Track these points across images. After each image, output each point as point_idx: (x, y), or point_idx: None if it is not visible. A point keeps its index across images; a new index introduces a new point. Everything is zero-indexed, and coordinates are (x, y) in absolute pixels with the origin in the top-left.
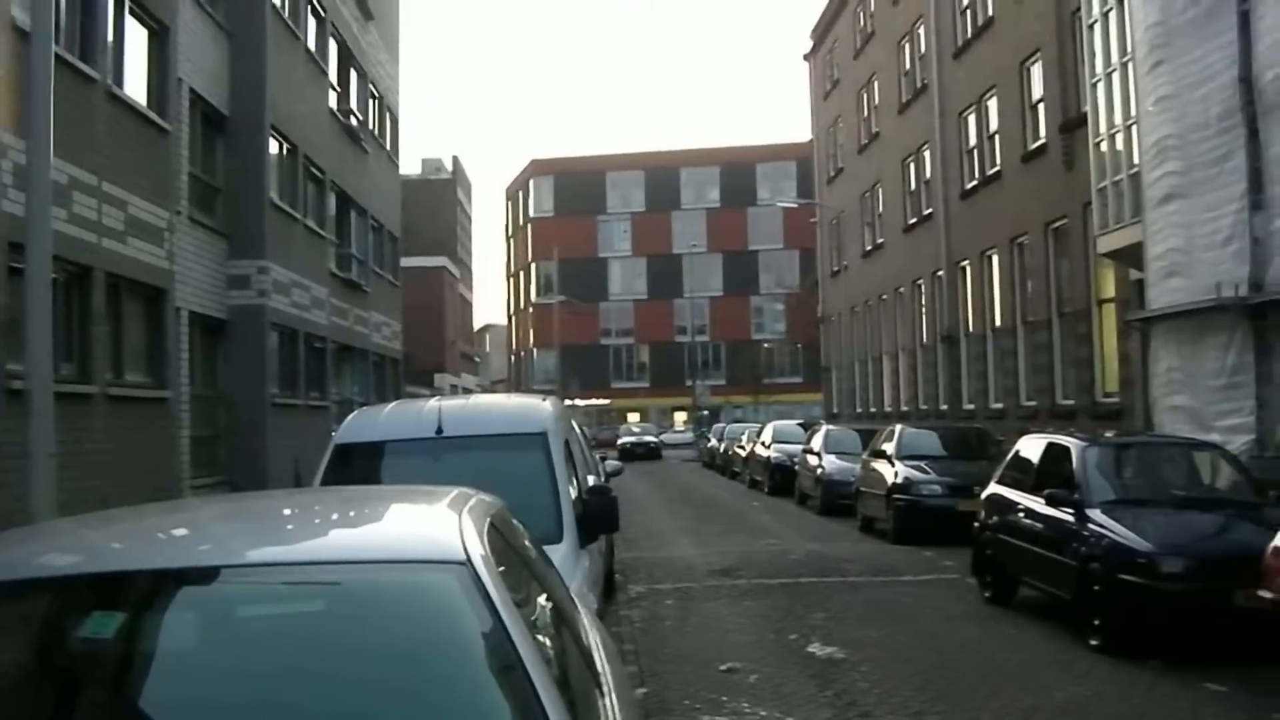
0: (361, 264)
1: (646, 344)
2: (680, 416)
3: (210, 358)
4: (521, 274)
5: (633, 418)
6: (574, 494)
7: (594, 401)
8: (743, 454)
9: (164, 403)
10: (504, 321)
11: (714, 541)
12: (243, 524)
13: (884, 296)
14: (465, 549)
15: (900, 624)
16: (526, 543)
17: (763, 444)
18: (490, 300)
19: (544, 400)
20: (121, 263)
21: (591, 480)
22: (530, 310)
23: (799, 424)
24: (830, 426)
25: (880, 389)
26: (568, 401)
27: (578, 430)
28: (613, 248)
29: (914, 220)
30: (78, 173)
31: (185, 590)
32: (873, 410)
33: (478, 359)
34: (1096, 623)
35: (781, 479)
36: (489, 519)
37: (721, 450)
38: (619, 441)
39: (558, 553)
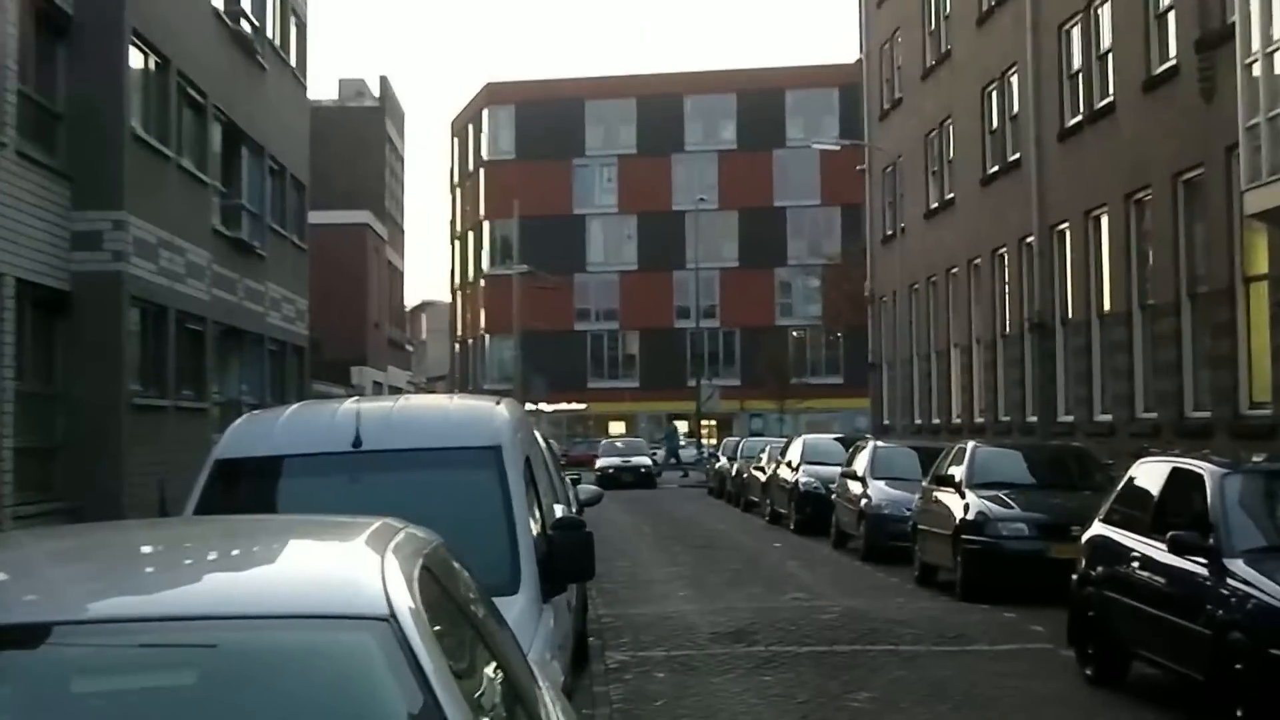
0: (255, 219)
1: (636, 331)
2: (681, 426)
3: (45, 343)
4: (471, 235)
5: (616, 428)
6: (536, 529)
7: (565, 406)
8: (762, 478)
9: None
10: (446, 299)
11: (722, 595)
12: (84, 565)
13: (953, 271)
14: (389, 600)
15: (971, 711)
16: (471, 593)
17: (788, 465)
18: (429, 270)
19: (498, 404)
20: None
21: (560, 511)
22: (482, 284)
23: (836, 439)
24: (879, 443)
25: (946, 394)
26: (529, 406)
27: (542, 444)
28: (593, 202)
29: (995, 169)
30: None
31: (1, 656)
32: (935, 422)
33: (410, 348)
34: (1239, 714)
35: (813, 512)
36: (421, 561)
37: (734, 473)
38: (598, 463)
39: (513, 607)
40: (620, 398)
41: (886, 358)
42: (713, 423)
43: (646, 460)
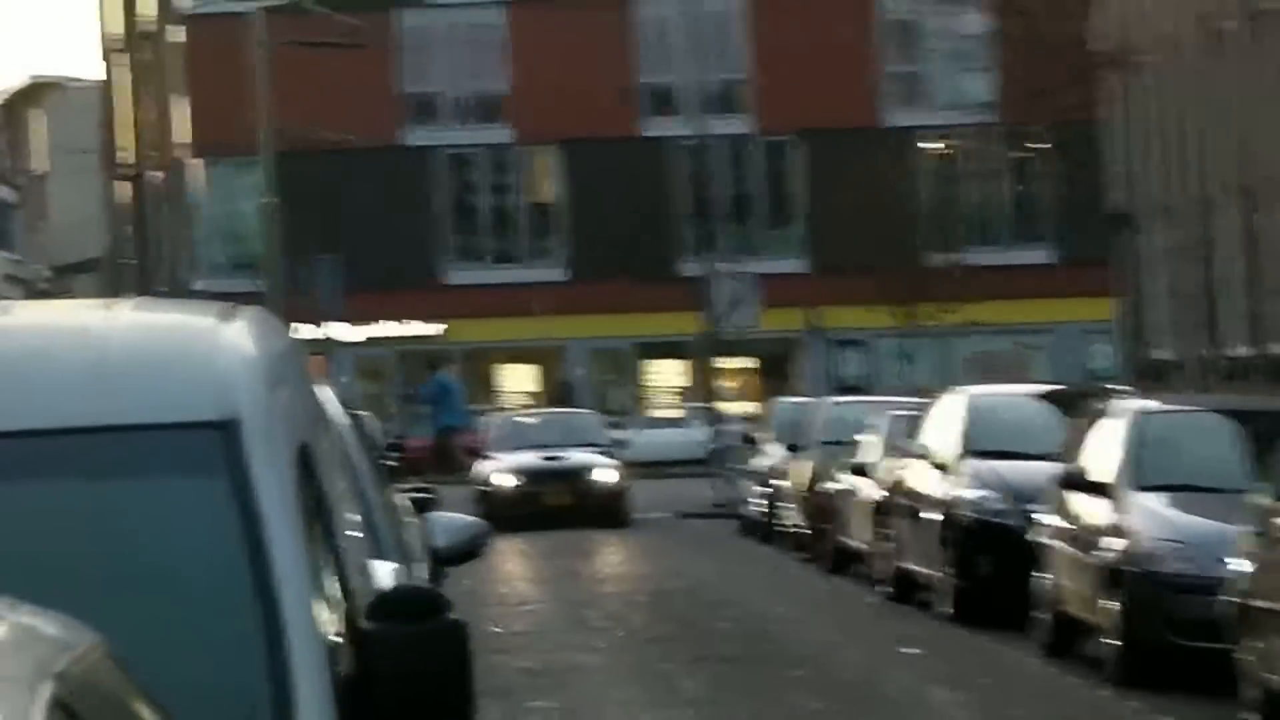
0: None
1: (551, 144)
2: (671, 374)
3: None
4: None
5: (516, 378)
6: (329, 618)
7: (394, 330)
8: (868, 495)
9: None
10: (89, 73)
11: None
12: None
13: None
14: None
15: None
16: None
17: (932, 461)
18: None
19: (227, 323)
20: None
21: (388, 574)
22: (178, 37)
23: (1043, 397)
24: (1145, 405)
25: None
26: (306, 331)
27: (339, 418)
28: None
29: None
30: None
31: None
32: (1263, 350)
33: (10, 193)
34: None
35: (992, 571)
36: (50, 691)
37: (799, 484)
38: (484, 466)
39: None
40: (520, 306)
41: (1152, 203)
42: (746, 363)
43: (598, 460)
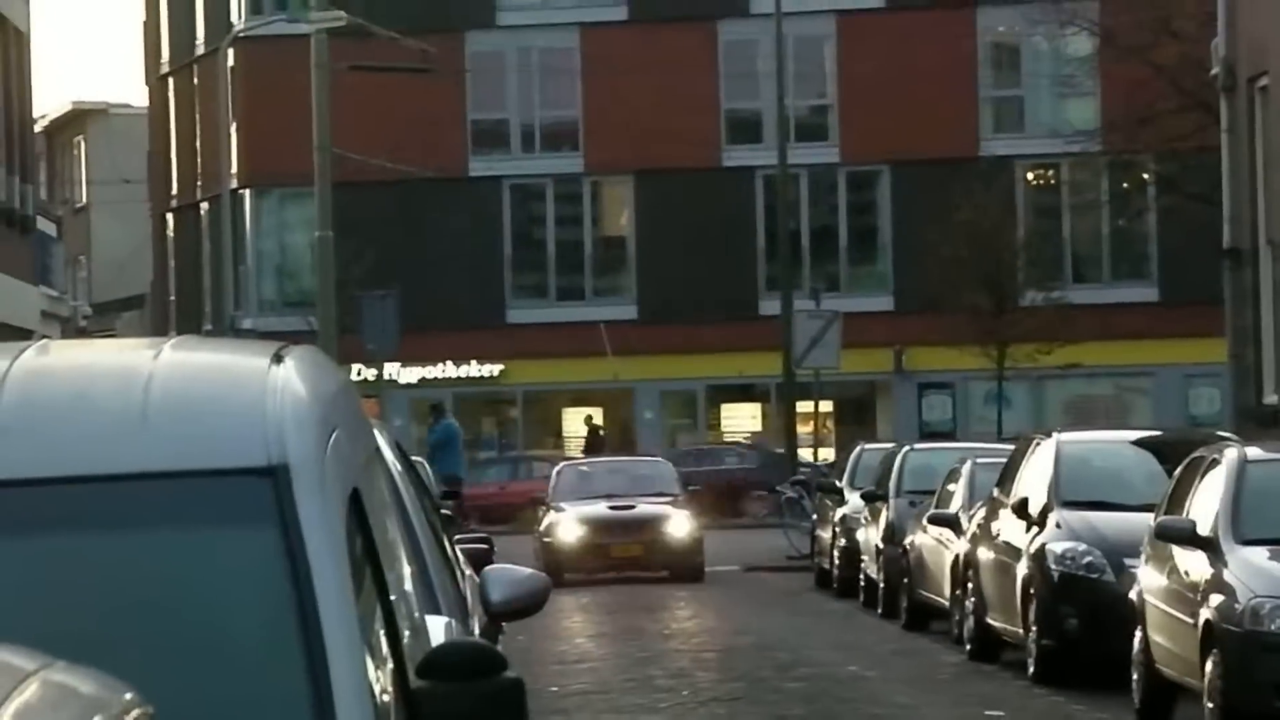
0: None
1: (626, 175)
2: (744, 418)
3: None
4: None
5: (577, 422)
6: (381, 676)
7: (450, 371)
8: (953, 549)
9: None
10: (135, 100)
11: None
12: None
13: None
14: None
15: None
16: None
17: (1019, 511)
18: (96, 40)
19: (278, 363)
20: None
21: (440, 630)
22: (229, 60)
23: (1140, 443)
24: (1253, 452)
25: None
26: (359, 372)
27: (394, 465)
28: None
29: None
30: None
31: None
32: None
33: (50, 225)
34: None
35: (1083, 629)
36: None
37: (883, 535)
38: (551, 519)
39: None
40: (588, 346)
41: (1269, 235)
42: (823, 408)
43: (669, 510)
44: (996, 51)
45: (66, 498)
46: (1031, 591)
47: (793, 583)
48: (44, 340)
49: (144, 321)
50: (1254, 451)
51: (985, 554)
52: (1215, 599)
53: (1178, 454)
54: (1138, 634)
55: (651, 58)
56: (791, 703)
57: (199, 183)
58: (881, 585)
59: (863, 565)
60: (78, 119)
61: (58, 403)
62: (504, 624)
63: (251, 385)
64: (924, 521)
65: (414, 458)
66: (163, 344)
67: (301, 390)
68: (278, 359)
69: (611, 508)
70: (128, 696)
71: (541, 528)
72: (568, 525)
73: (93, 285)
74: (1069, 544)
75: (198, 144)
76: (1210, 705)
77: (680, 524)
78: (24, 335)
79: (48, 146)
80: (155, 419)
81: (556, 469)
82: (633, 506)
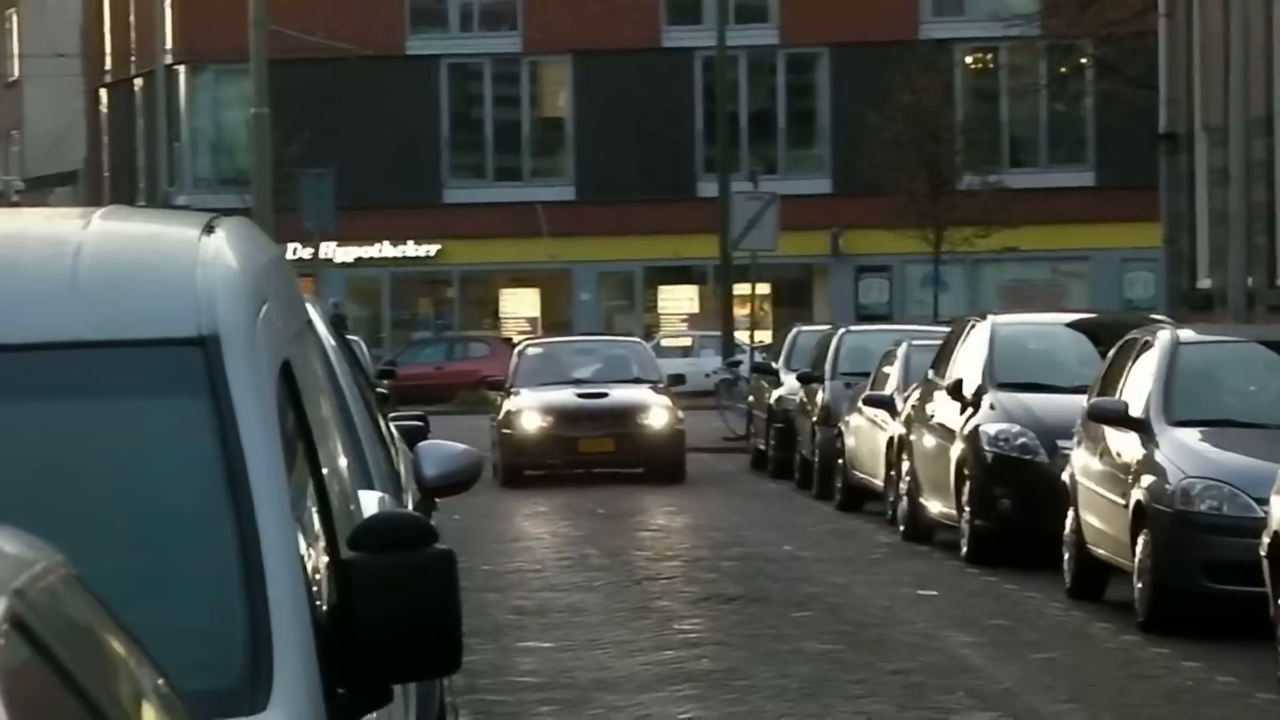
0: None
1: (563, 55)
2: (682, 300)
3: None
4: None
5: (518, 302)
6: (312, 550)
7: (385, 250)
8: (886, 432)
9: None
10: None
11: (794, 715)
12: None
13: None
14: None
15: None
16: (153, 694)
17: (955, 394)
18: None
19: (208, 233)
20: None
21: (372, 502)
22: None
23: (1074, 325)
24: (1184, 334)
25: None
26: (295, 251)
27: (326, 339)
28: None
29: None
30: None
31: None
32: None
33: None
34: None
35: (1016, 508)
36: (5, 607)
37: (816, 417)
38: (513, 404)
39: None
40: (525, 227)
41: (1205, 121)
42: (760, 290)
43: (649, 398)
44: None
45: (14, 364)
46: (965, 473)
47: (729, 464)
48: None
49: (77, 198)
50: (1187, 334)
51: (919, 436)
52: (1146, 480)
53: (1111, 337)
54: (1070, 514)
55: None
56: (727, 581)
57: (133, 58)
58: (816, 467)
59: (798, 447)
60: None
61: None
62: (437, 498)
63: (182, 256)
64: (859, 403)
65: (350, 336)
66: (92, 214)
67: (232, 261)
68: (209, 230)
69: (580, 395)
70: (53, 556)
71: (500, 416)
72: (529, 415)
73: (25, 160)
74: (1003, 425)
75: (132, 18)
76: (1140, 584)
77: (659, 415)
78: None
79: None
80: (85, 288)
81: (518, 348)
82: (605, 394)
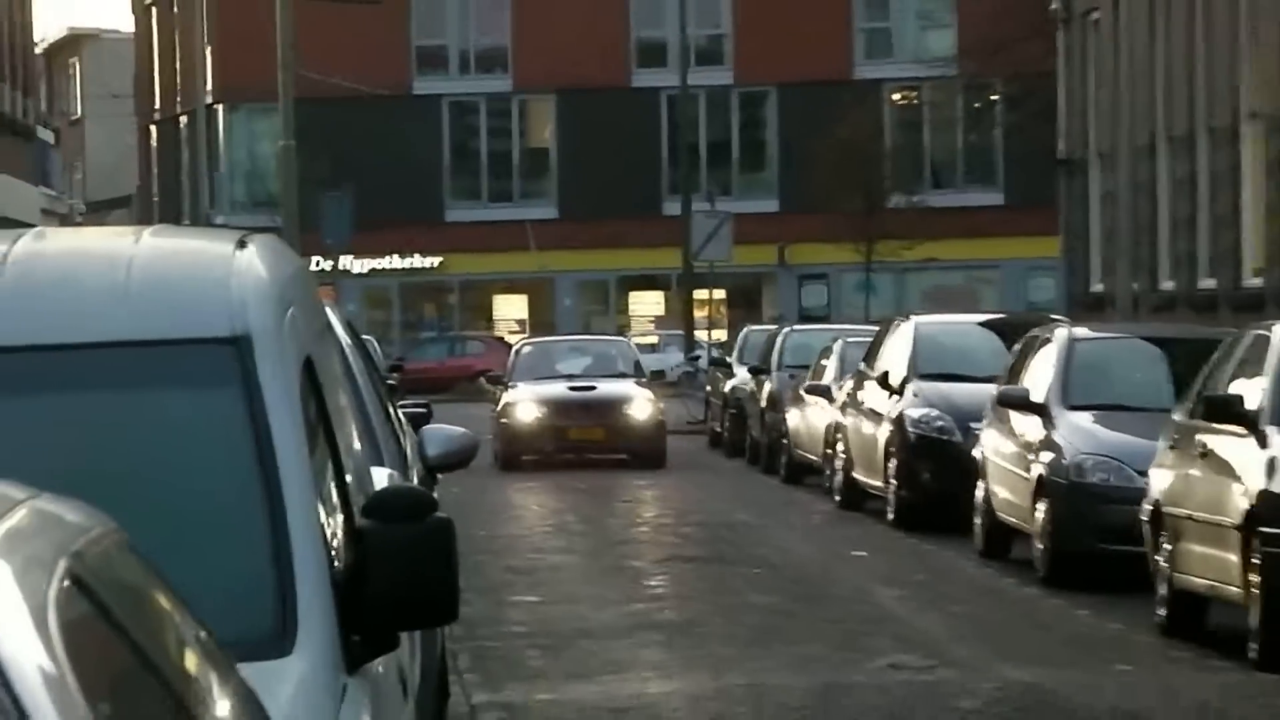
0: None
1: (548, 94)
2: (649, 304)
3: None
4: None
5: (510, 307)
6: (331, 519)
7: (395, 263)
8: (826, 417)
9: None
10: (122, 25)
11: (733, 664)
12: None
13: None
14: None
15: None
16: (195, 643)
17: (883, 383)
18: None
19: (241, 248)
20: None
21: (383, 478)
22: None
23: (987, 324)
24: (1079, 332)
25: (1233, 226)
26: (318, 263)
27: (344, 338)
28: None
29: None
30: None
31: None
32: (1208, 285)
33: (49, 134)
34: None
35: (935, 481)
36: (63, 569)
37: (764, 402)
38: (510, 397)
39: (281, 683)
40: (516, 242)
41: (1097, 148)
42: (717, 295)
43: (633, 390)
44: None
45: (58, 362)
46: (892, 451)
47: (690, 444)
48: (40, 229)
49: (131, 219)
50: (1080, 331)
51: (853, 419)
52: (1046, 456)
53: (1017, 334)
54: (980, 486)
55: None
56: (688, 545)
57: (179, 98)
58: (765, 446)
59: (749, 429)
60: (73, 42)
61: (51, 279)
62: (439, 475)
63: (218, 266)
64: (801, 392)
65: (364, 336)
66: (143, 232)
67: (262, 271)
68: (242, 245)
69: (572, 388)
70: (107, 523)
71: (499, 408)
72: (525, 406)
73: (86, 187)
74: (924, 410)
75: (177, 64)
76: (1040, 546)
77: (642, 406)
78: (18, 226)
79: (47, 66)
80: (135, 295)
81: (516, 347)
82: (593, 387)
